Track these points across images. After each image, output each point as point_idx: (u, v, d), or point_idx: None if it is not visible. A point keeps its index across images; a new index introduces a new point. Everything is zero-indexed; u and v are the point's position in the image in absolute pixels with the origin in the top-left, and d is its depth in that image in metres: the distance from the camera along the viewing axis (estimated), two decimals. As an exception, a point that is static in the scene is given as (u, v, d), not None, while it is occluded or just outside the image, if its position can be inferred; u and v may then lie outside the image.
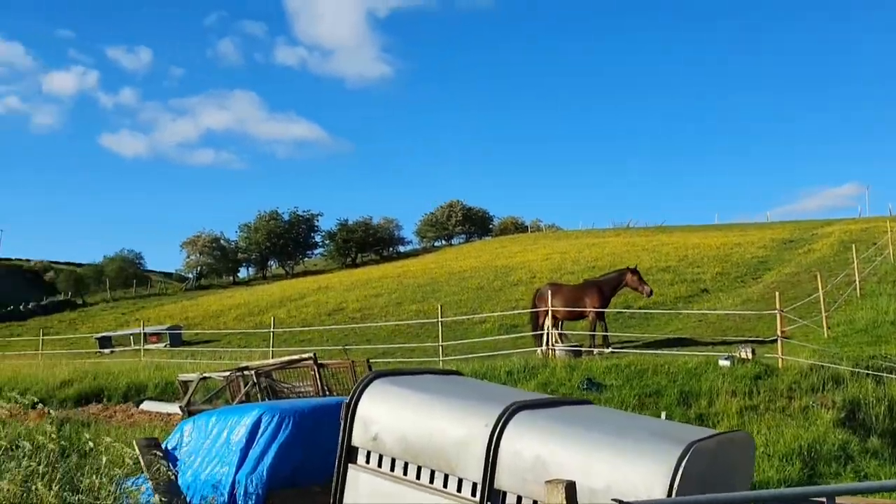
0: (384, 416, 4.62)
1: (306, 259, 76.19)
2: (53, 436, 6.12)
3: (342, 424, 4.86)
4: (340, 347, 17.91)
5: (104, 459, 6.19)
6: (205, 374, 12.22)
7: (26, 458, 5.74)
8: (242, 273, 73.57)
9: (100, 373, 19.49)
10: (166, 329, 29.45)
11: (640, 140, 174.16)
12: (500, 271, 39.02)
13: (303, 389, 12.44)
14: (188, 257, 65.93)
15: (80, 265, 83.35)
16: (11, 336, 40.87)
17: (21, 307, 52.84)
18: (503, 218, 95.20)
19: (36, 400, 7.05)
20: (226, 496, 6.05)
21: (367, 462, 4.88)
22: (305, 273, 68.70)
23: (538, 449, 3.70)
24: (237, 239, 70.53)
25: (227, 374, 12.08)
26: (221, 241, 67.72)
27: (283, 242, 69.61)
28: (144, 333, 26.45)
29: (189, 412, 12.04)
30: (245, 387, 11.93)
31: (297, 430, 6.32)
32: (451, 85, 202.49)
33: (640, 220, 78.47)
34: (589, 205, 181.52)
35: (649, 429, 4.24)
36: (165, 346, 27.69)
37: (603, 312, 19.05)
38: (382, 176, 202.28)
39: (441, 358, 18.11)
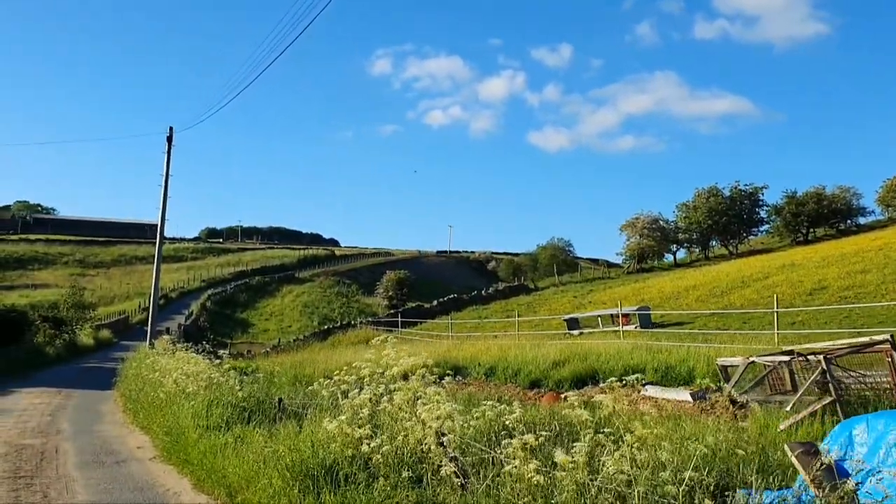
0: None
1: (751, 237, 70.68)
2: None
3: None
4: None
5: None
6: (751, 358, 10.22)
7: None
8: (680, 254, 71.12)
9: (586, 354, 18.77)
10: (636, 310, 28.39)
11: None
12: None
13: (874, 380, 9.72)
14: (628, 240, 65.45)
15: (516, 255, 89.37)
16: (479, 318, 44.04)
17: (483, 292, 57.38)
18: None
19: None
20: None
21: None
22: (751, 252, 63.57)
23: None
24: (675, 219, 68.24)
25: (779, 358, 9.90)
26: (660, 222, 65.99)
27: (726, 220, 65.29)
28: (618, 315, 25.73)
29: (734, 402, 10.12)
30: (807, 375, 9.63)
31: None
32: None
33: None
34: None
35: None
36: (636, 327, 26.56)
37: None
38: (827, 143, 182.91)
39: None
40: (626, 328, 25.50)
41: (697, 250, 70.55)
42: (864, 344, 9.52)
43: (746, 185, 67.35)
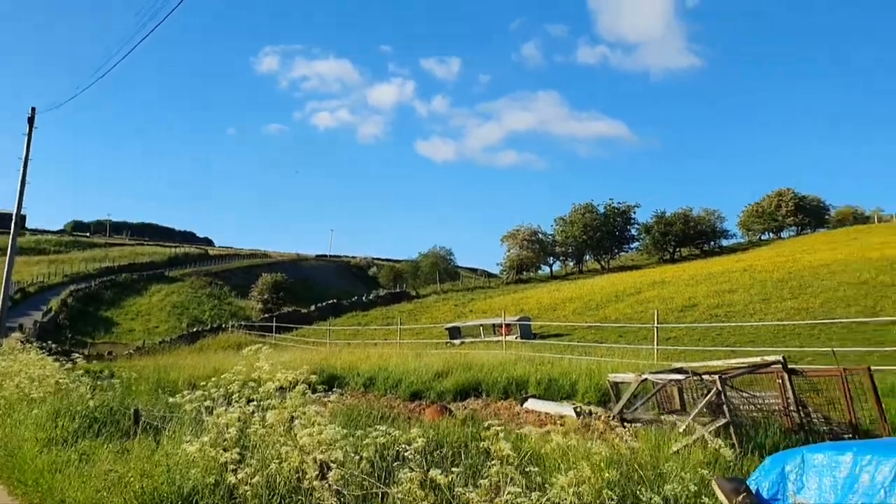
0: None
1: (622, 254, 73.24)
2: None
3: None
4: (830, 350, 14.67)
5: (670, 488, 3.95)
6: (644, 375, 9.95)
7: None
8: (555, 267, 72.68)
9: (469, 364, 18.30)
10: (517, 320, 28.29)
11: None
12: (877, 264, 32.89)
13: (765, 401, 9.67)
14: (508, 251, 66.20)
15: (398, 261, 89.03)
16: (359, 325, 43.08)
17: (363, 298, 56.39)
18: (840, 208, 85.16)
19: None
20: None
21: None
22: (621, 268, 65.83)
23: None
24: (553, 233, 69.69)
25: (673, 376, 9.66)
26: (539, 235, 67.17)
27: (600, 235, 67.28)
28: (502, 325, 25.52)
29: (623, 420, 9.80)
30: (696, 394, 9.44)
31: None
32: (769, 68, 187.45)
33: None
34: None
35: None
36: (516, 338, 26.43)
37: None
38: (695, 169, 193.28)
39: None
40: (507, 338, 25.33)
41: (572, 263, 72.30)
42: (757, 364, 9.42)
43: (620, 202, 69.78)
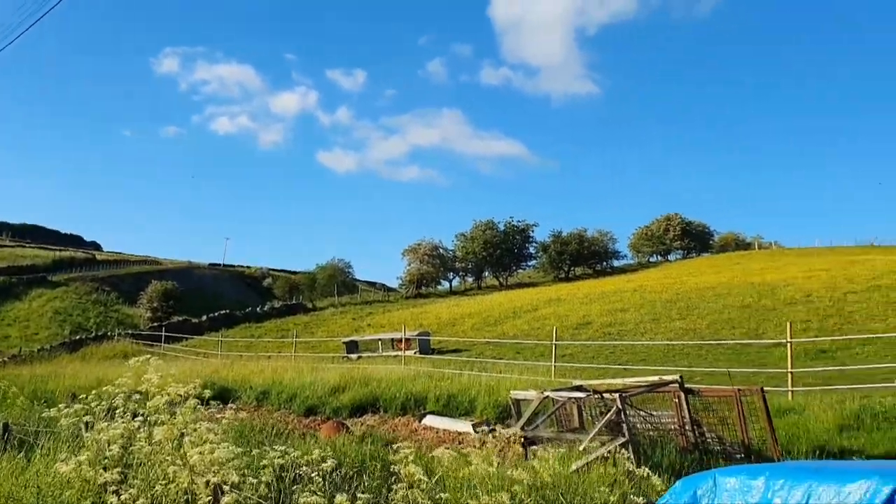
0: None
1: (520, 271, 74.39)
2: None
3: None
4: (716, 370, 14.98)
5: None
6: (546, 393, 9.90)
7: None
8: (454, 283, 73.07)
9: (367, 379, 17.98)
10: (416, 335, 28.10)
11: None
12: (759, 289, 34.55)
13: (661, 420, 9.83)
14: (409, 265, 66.07)
15: (294, 273, 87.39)
16: (253, 336, 41.92)
17: (258, 309, 54.93)
18: (723, 234, 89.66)
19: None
20: None
21: None
22: (519, 285, 66.85)
23: None
24: (454, 248, 70.10)
25: (575, 394, 9.65)
26: (440, 250, 67.37)
27: (500, 252, 68.15)
28: (401, 339, 25.25)
29: (526, 439, 9.73)
30: (595, 412, 9.49)
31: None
32: (662, 99, 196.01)
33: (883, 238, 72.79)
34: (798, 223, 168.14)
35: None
36: (415, 352, 26.23)
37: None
38: (590, 191, 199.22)
39: (791, 388, 14.71)
40: (406, 353, 25.10)
41: (471, 279, 72.86)
42: (656, 384, 9.56)
43: (519, 221, 70.95)
